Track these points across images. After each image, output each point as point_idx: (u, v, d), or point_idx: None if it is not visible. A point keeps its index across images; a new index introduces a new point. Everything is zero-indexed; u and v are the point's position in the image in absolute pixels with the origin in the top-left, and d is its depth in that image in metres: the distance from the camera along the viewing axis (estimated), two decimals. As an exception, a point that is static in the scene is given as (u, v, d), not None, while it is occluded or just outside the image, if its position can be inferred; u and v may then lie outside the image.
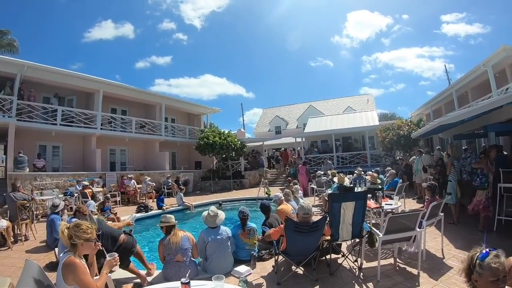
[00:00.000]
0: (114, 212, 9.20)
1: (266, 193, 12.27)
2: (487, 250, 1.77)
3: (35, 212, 8.96)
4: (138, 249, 4.25)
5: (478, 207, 5.95)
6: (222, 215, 4.60)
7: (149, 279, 4.14)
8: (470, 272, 1.80)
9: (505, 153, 6.92)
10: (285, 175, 20.49)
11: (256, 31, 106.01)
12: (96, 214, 6.71)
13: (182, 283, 2.26)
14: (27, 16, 76.97)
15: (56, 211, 6.66)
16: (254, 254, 4.72)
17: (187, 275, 2.57)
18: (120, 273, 4.15)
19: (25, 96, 13.81)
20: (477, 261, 1.76)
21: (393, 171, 10.30)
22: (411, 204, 9.46)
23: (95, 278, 2.59)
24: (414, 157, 11.10)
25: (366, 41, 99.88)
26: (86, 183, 12.22)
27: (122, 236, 4.09)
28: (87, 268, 2.44)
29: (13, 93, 12.93)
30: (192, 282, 2.38)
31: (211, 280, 2.43)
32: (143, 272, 4.21)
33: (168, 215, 4.30)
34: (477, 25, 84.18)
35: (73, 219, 5.38)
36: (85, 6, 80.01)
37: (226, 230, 4.57)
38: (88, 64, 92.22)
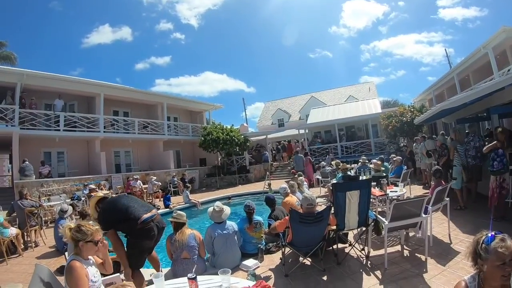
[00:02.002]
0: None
1: (266, 187, 12.36)
2: (493, 233, 1.75)
3: (43, 218, 9.05)
4: (154, 253, 4.06)
5: (493, 195, 5.53)
6: (227, 210, 4.62)
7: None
8: (476, 256, 1.79)
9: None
10: (289, 168, 20.47)
11: (253, 26, 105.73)
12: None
13: (188, 278, 2.28)
14: (24, 25, 77.18)
15: (65, 216, 6.72)
16: (261, 247, 4.76)
17: (194, 270, 2.59)
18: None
19: (27, 105, 13.89)
20: (483, 245, 1.74)
21: (399, 157, 10.26)
22: (417, 191, 9.43)
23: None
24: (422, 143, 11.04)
25: (363, 30, 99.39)
26: (93, 186, 12.30)
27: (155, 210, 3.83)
28: (86, 275, 2.39)
29: (14, 102, 13.01)
30: (199, 277, 2.41)
31: (218, 275, 2.45)
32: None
33: (181, 212, 4.33)
34: (474, 8, 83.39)
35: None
36: (82, 12, 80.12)
37: (232, 225, 4.59)
38: (88, 69, 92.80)
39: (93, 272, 2.50)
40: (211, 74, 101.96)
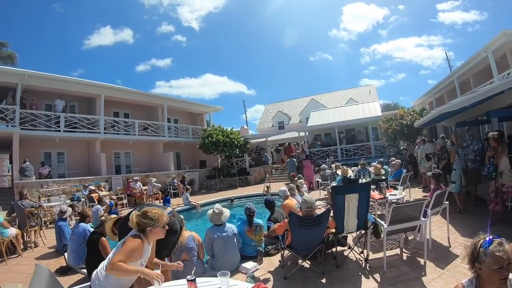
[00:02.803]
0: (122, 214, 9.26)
1: (265, 190, 12.38)
2: (491, 237, 1.76)
3: (43, 219, 9.05)
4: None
5: (489, 198, 5.64)
6: (227, 212, 4.63)
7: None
8: (473, 259, 1.79)
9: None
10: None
11: (254, 28, 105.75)
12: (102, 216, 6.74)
13: (188, 280, 2.28)
14: (25, 27, 77.04)
15: (64, 217, 6.72)
16: (261, 249, 4.75)
17: (193, 272, 2.60)
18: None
19: (27, 105, 13.91)
20: (481, 248, 1.75)
21: (399, 161, 10.27)
22: (417, 194, 9.43)
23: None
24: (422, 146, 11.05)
25: (363, 33, 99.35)
26: (92, 187, 12.31)
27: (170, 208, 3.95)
28: (141, 253, 2.48)
29: (15, 103, 13.04)
30: (198, 279, 2.41)
31: (217, 277, 2.45)
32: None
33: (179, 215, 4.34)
34: (473, 12, 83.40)
35: (80, 224, 5.46)
36: (83, 14, 79.92)
37: (231, 227, 4.60)
38: (88, 70, 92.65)
39: (144, 259, 2.56)
40: (212, 76, 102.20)
